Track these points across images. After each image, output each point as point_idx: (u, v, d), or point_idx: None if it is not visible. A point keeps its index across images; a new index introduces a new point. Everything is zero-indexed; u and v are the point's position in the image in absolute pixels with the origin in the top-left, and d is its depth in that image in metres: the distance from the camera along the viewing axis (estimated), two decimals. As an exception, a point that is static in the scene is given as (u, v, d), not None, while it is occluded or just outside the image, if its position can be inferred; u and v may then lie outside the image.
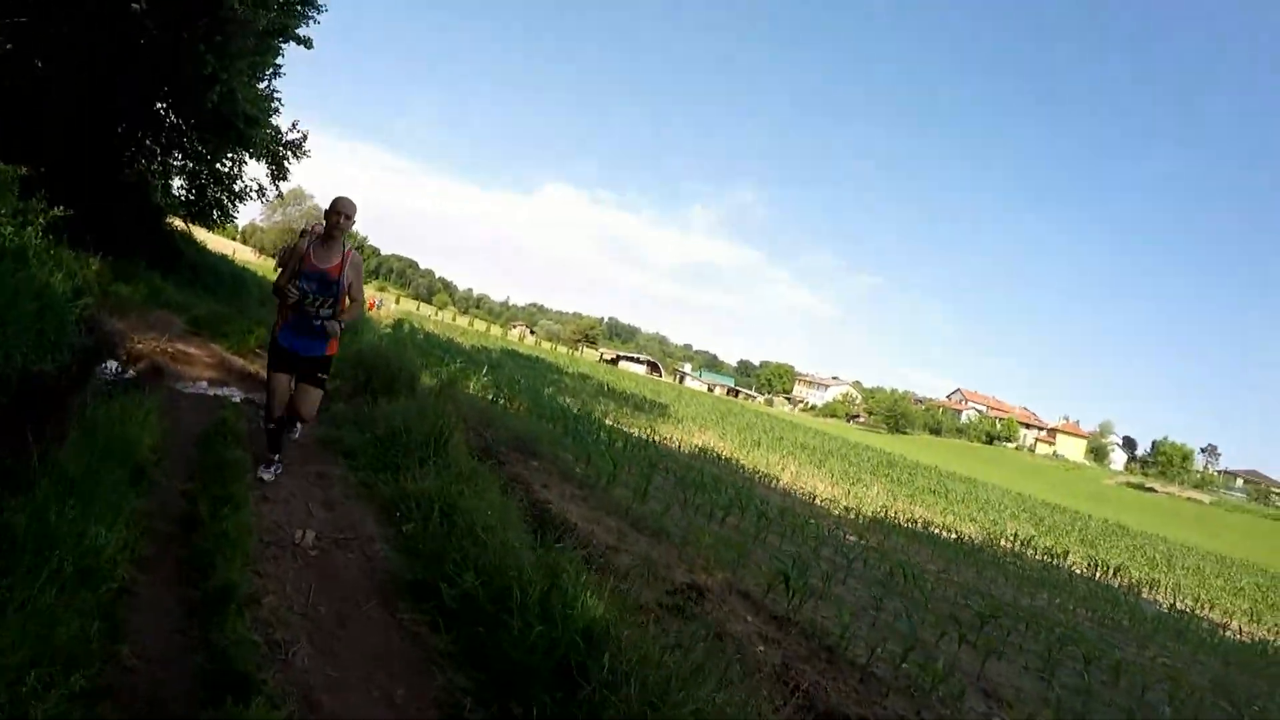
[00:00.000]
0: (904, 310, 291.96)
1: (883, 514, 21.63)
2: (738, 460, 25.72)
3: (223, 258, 29.14)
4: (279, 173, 23.03)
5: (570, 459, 11.11)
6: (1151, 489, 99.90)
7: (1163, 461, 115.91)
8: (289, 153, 22.73)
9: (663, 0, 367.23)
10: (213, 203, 22.07)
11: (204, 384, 9.24)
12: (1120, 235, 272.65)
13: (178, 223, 22.72)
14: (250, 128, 17.60)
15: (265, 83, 20.14)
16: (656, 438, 23.60)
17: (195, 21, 13.46)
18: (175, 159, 21.45)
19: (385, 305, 52.03)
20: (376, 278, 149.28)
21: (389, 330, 27.19)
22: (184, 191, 22.01)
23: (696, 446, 25.71)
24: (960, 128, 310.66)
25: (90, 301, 8.69)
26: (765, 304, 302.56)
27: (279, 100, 19.67)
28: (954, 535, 21.70)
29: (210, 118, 17.06)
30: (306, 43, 19.72)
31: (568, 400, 25.47)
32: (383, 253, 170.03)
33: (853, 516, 19.33)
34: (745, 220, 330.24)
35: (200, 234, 25.92)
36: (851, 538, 14.39)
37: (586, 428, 15.94)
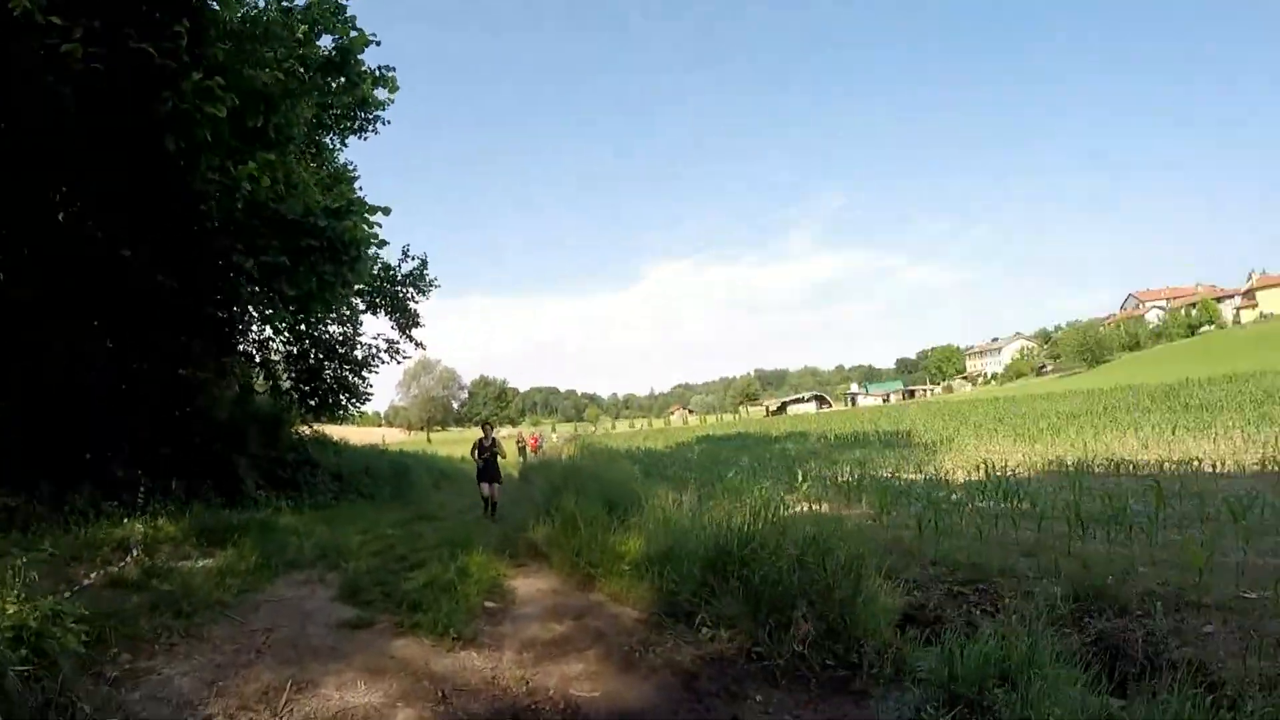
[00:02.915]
0: (1035, 241, 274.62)
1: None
2: (1091, 460, 20.77)
3: (373, 449, 23.09)
4: (405, 320, 17.84)
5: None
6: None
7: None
8: (410, 289, 17.72)
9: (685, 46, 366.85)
10: (334, 386, 16.85)
11: None
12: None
13: (304, 429, 17.17)
14: (336, 221, 11.79)
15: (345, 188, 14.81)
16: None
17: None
18: (275, 349, 16.12)
19: (548, 438, 46.83)
20: (524, 415, 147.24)
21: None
22: (294, 384, 16.78)
23: (1050, 460, 21.79)
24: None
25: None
26: (895, 295, 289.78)
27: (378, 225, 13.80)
28: None
29: (281, 238, 11.41)
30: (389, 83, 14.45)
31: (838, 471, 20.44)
32: (521, 391, 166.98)
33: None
34: (843, 224, 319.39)
35: (340, 431, 20.55)
36: None
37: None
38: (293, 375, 16.70)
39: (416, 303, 18.12)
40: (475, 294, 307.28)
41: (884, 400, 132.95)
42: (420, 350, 18.94)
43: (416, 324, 18.37)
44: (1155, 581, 7.55)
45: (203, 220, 10.60)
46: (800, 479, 14.76)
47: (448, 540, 9.84)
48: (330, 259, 11.88)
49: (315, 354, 16.24)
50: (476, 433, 14.80)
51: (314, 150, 13.86)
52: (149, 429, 11.24)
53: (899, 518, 11.84)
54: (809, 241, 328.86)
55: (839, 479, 17.16)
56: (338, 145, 16.25)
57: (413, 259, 17.90)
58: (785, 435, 44.40)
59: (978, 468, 20.49)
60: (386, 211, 13.46)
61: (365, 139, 16.15)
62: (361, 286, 16.45)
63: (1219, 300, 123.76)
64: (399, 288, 17.54)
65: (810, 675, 5.07)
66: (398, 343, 18.10)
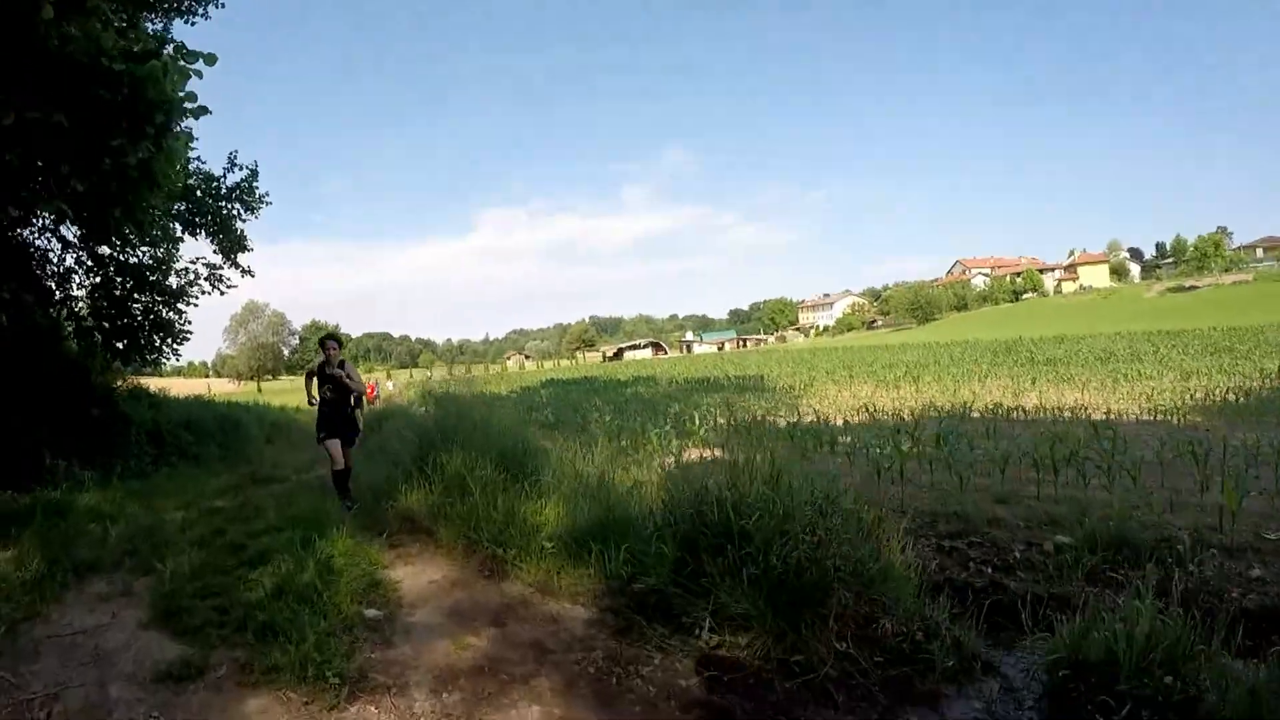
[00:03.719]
0: (865, 208, 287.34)
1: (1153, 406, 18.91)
2: (969, 405, 20.77)
3: (197, 401, 19.59)
4: (231, 243, 15.00)
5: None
6: (1194, 286, 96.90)
7: (1195, 257, 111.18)
8: (237, 205, 14.85)
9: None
10: (144, 323, 13.44)
11: None
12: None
13: (119, 381, 14.10)
14: (137, 66, 8.02)
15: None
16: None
17: None
18: (77, 281, 13.02)
19: (383, 386, 43.40)
20: (357, 361, 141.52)
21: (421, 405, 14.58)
22: (96, 321, 13.12)
23: (925, 405, 21.53)
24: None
25: None
26: (728, 251, 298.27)
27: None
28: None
29: (60, 86, 7.78)
30: None
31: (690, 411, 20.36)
32: (355, 336, 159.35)
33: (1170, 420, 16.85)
34: (680, 181, 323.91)
35: (161, 383, 17.95)
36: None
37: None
38: (94, 310, 13.21)
39: (244, 221, 15.18)
40: (305, 239, 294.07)
41: (719, 348, 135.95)
42: (248, 277, 15.62)
43: (244, 248, 15.32)
44: (1169, 526, 6.73)
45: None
46: (696, 423, 13.54)
47: (293, 516, 7.53)
48: (129, 126, 8.23)
49: (122, 282, 12.87)
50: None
51: (129, 27, 10.96)
52: None
53: (822, 465, 10.66)
54: (646, 195, 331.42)
55: (727, 423, 15.93)
56: (159, 29, 13.29)
57: (241, 168, 14.97)
58: (633, 380, 43.66)
59: (857, 411, 19.93)
60: (210, 60, 8.97)
61: (193, 23, 13.43)
62: (180, 206, 13.74)
63: (1041, 272, 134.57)
64: (223, 203, 14.63)
65: (869, 684, 3.72)
66: (220, 268, 15.07)
